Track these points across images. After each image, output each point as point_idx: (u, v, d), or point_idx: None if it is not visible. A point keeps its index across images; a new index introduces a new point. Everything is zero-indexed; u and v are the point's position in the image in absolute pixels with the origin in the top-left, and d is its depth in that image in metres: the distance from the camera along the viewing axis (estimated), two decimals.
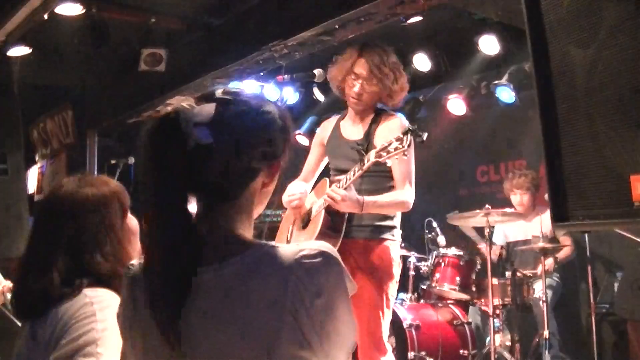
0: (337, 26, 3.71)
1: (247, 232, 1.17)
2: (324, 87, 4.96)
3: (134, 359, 1.17)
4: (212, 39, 4.84)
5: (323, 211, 2.90)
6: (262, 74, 4.56)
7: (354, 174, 2.77)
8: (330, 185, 2.92)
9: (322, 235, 2.88)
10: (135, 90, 5.62)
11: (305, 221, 3.09)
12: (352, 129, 3.10)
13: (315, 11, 3.79)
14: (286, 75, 2.90)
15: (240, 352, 1.05)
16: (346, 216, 2.90)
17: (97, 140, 6.25)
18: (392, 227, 2.99)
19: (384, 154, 2.67)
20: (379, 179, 2.95)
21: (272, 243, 1.12)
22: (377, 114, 3.05)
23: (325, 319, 1.06)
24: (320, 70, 2.99)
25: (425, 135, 2.65)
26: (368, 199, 2.80)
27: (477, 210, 4.33)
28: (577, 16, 1.63)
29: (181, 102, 1.14)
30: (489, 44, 4.73)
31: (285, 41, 3.98)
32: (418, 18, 4.20)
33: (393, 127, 2.93)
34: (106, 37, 4.39)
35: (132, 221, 1.74)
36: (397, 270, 2.96)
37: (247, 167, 1.15)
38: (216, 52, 4.73)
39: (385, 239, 2.95)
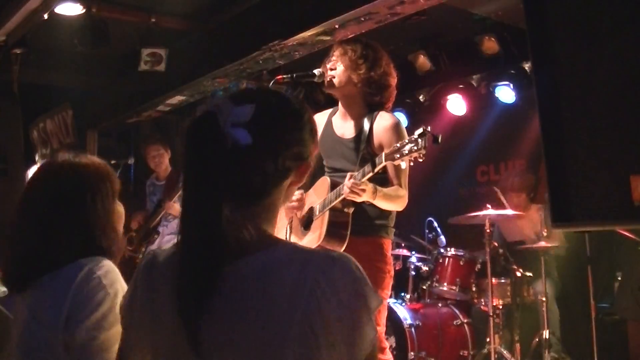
0: (337, 26, 3.70)
1: (271, 229, 1.19)
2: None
3: (139, 345, 1.18)
4: (212, 39, 4.84)
5: (328, 211, 2.84)
6: (262, 74, 4.56)
7: (364, 174, 2.69)
8: (331, 185, 2.88)
9: (329, 237, 2.82)
10: (135, 90, 5.62)
11: (306, 222, 3.02)
12: (344, 126, 3.02)
13: (315, 11, 3.79)
14: (286, 75, 2.88)
15: (254, 346, 1.06)
16: (351, 215, 2.85)
17: (97, 140, 6.25)
18: (387, 226, 2.97)
19: (397, 155, 2.59)
20: (380, 175, 2.88)
21: (297, 243, 1.13)
22: (369, 111, 2.97)
23: (342, 328, 1.06)
24: (321, 70, 2.99)
25: (440, 137, 2.56)
26: (380, 188, 2.74)
27: (476, 214, 4.37)
28: (578, 16, 1.63)
29: (218, 100, 1.15)
30: (489, 44, 4.73)
31: (285, 41, 3.98)
32: (418, 18, 4.20)
33: (388, 125, 2.88)
34: (106, 37, 4.38)
35: (120, 207, 1.76)
36: (390, 267, 2.94)
37: (282, 168, 1.17)
38: (216, 52, 4.73)
39: (381, 237, 2.93)
